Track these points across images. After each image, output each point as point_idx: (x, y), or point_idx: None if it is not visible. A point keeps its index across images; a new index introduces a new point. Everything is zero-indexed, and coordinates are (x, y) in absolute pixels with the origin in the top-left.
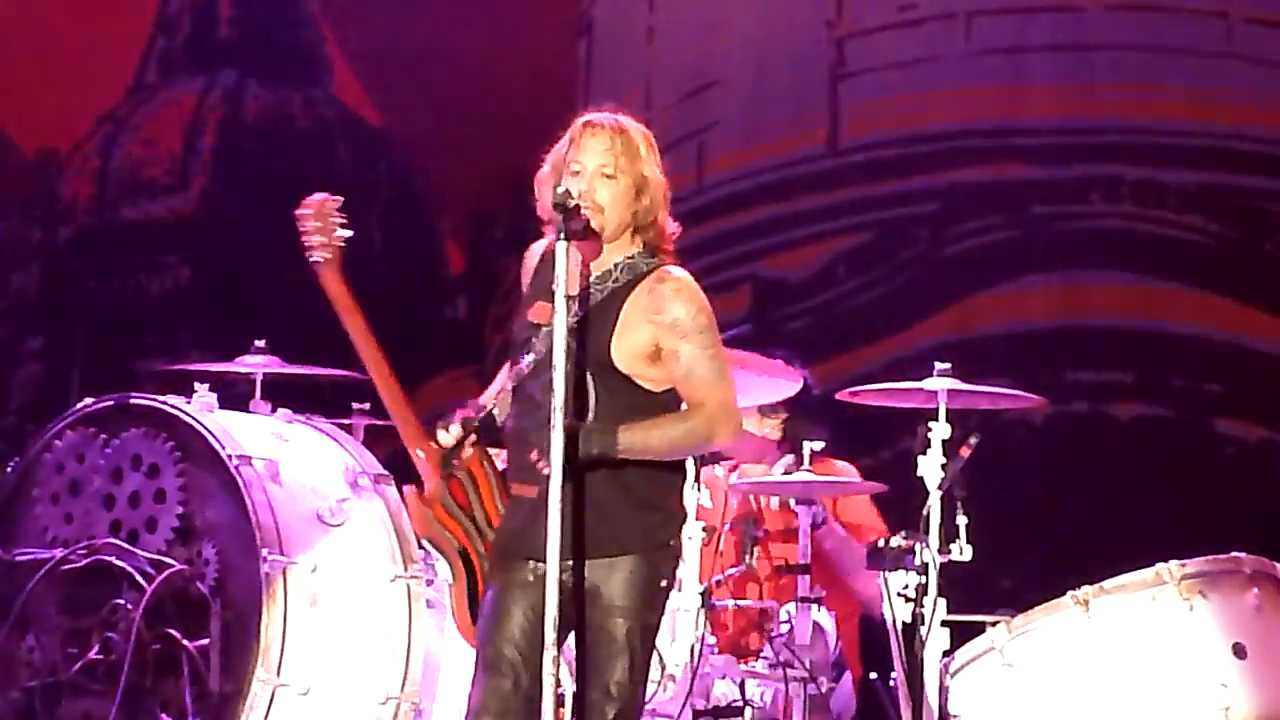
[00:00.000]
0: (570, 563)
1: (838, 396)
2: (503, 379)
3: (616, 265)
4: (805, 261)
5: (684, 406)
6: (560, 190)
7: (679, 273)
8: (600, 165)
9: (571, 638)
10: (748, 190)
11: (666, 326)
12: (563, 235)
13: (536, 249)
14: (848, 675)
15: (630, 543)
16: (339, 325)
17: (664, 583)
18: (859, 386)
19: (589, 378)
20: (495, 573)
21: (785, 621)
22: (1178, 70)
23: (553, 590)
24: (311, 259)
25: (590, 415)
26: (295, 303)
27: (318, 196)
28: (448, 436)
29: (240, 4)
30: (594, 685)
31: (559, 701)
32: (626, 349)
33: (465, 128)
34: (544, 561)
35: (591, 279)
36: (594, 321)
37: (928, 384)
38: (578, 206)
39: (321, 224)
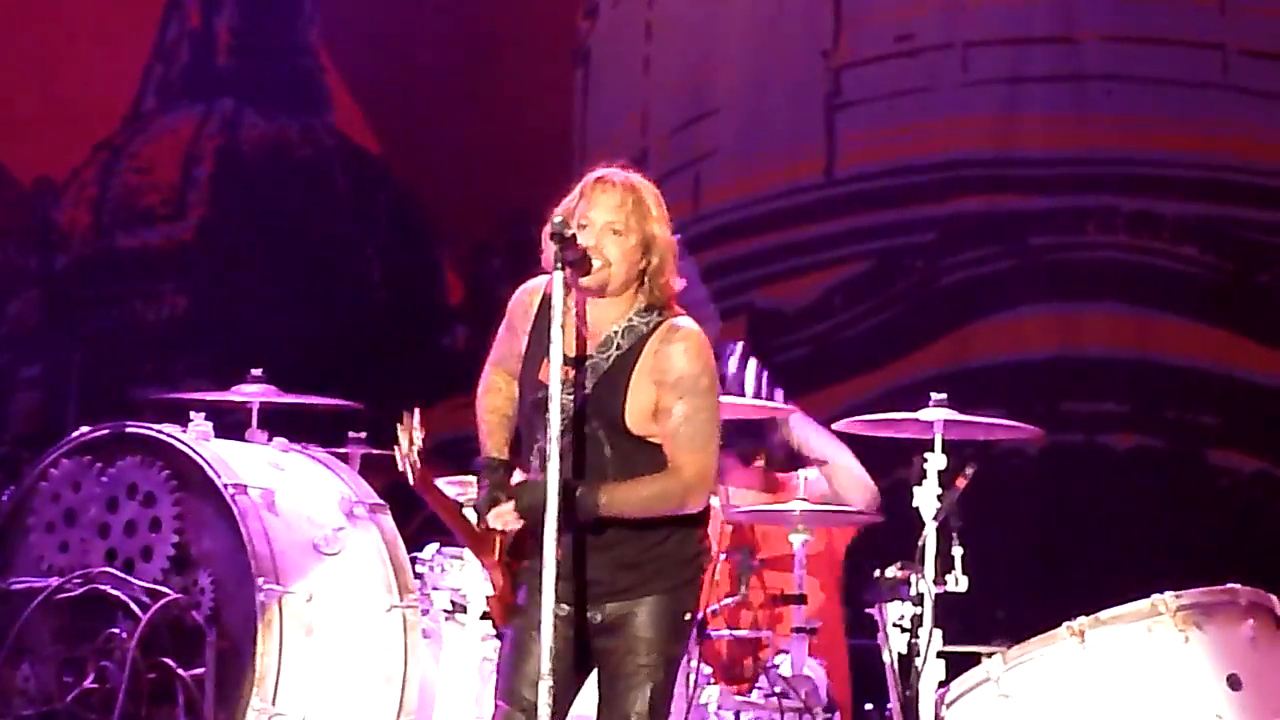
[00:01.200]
0: (602, 603)
1: (834, 427)
2: (490, 419)
3: (617, 331)
4: (802, 291)
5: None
6: (557, 220)
7: (688, 326)
8: (609, 221)
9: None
10: (744, 220)
11: (669, 384)
12: (559, 264)
13: (533, 288)
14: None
15: (657, 582)
16: (334, 354)
17: (687, 615)
18: (854, 417)
19: (603, 439)
20: (517, 613)
21: (780, 651)
22: (1174, 102)
23: (548, 627)
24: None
25: (609, 473)
26: (292, 332)
27: (406, 419)
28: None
29: (239, 32)
30: (615, 716)
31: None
32: (638, 411)
33: (464, 157)
34: (568, 604)
35: (595, 345)
36: (605, 389)
37: (923, 414)
38: (574, 236)
39: (409, 440)
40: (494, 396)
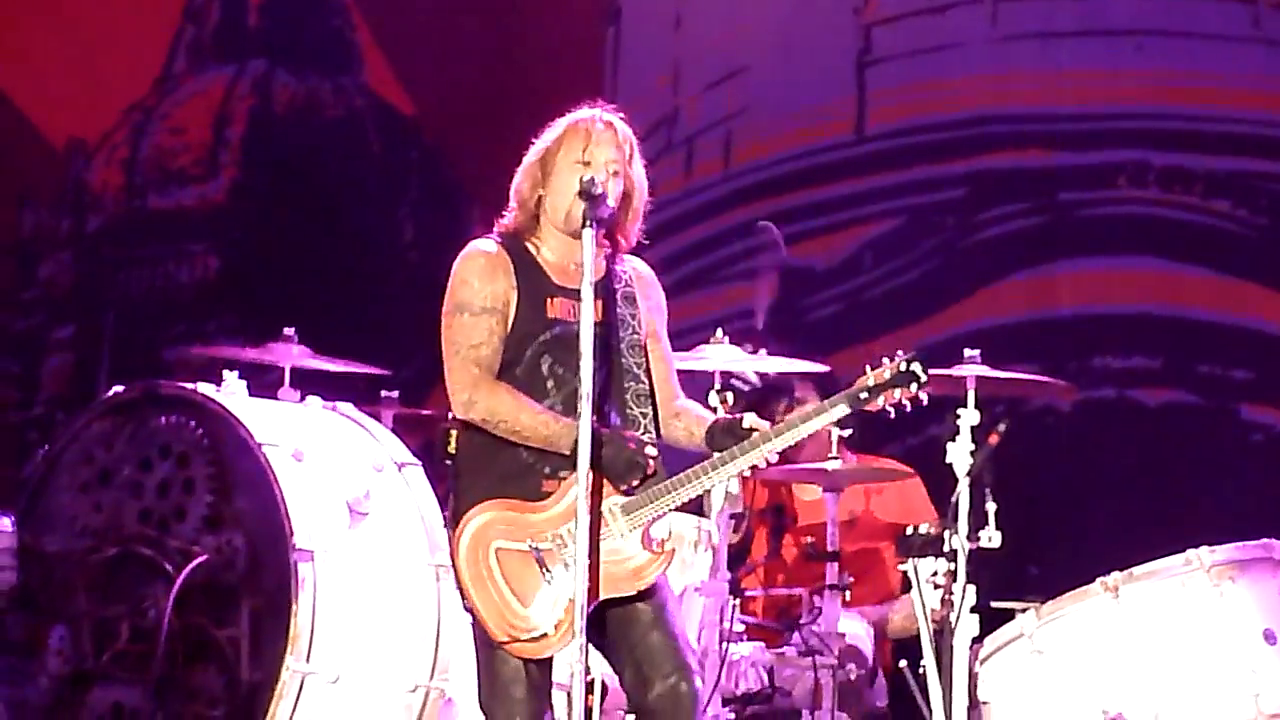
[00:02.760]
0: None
1: None
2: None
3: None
4: (832, 249)
5: (660, 388)
6: (586, 178)
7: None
8: (609, 160)
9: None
10: (774, 177)
11: (656, 308)
12: (588, 222)
13: (490, 250)
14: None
15: None
16: (365, 314)
17: None
18: None
19: (633, 367)
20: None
21: (814, 609)
22: (1205, 56)
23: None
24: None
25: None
26: (323, 292)
27: None
28: None
29: None
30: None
31: (588, 688)
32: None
33: (496, 116)
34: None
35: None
36: (627, 315)
37: (956, 370)
38: (604, 194)
39: None
40: (510, 393)
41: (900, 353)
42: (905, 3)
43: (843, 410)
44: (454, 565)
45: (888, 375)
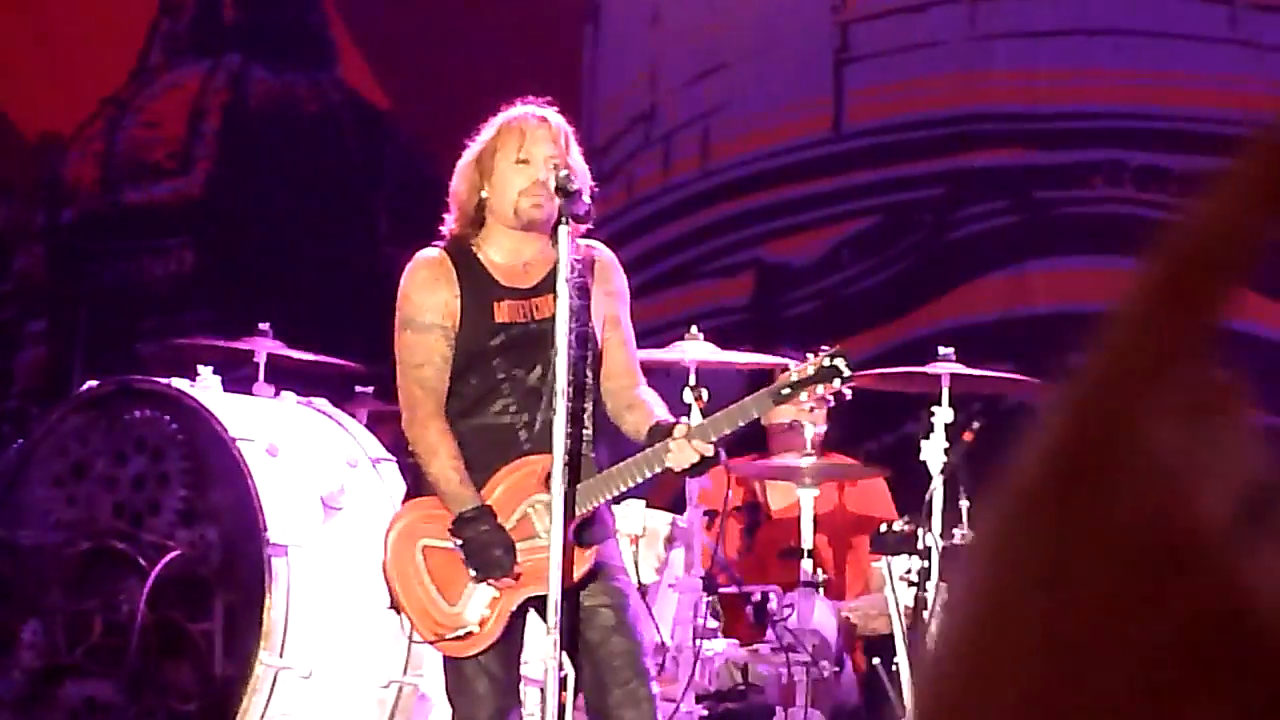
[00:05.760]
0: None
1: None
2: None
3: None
4: (809, 246)
5: (619, 376)
6: (562, 174)
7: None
8: (548, 156)
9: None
10: (752, 174)
11: (616, 293)
12: (565, 219)
13: (433, 260)
14: (849, 665)
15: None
16: (341, 309)
17: None
18: (862, 371)
19: (581, 361)
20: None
21: (787, 605)
22: (1181, 55)
23: (556, 571)
24: None
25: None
26: (298, 287)
27: None
28: None
29: None
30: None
31: (561, 685)
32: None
33: (473, 111)
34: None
35: (541, 276)
36: (577, 306)
37: (931, 368)
38: (579, 190)
39: None
40: (438, 433)
41: (825, 348)
42: (883, 1)
43: (767, 405)
44: (383, 563)
45: (811, 370)
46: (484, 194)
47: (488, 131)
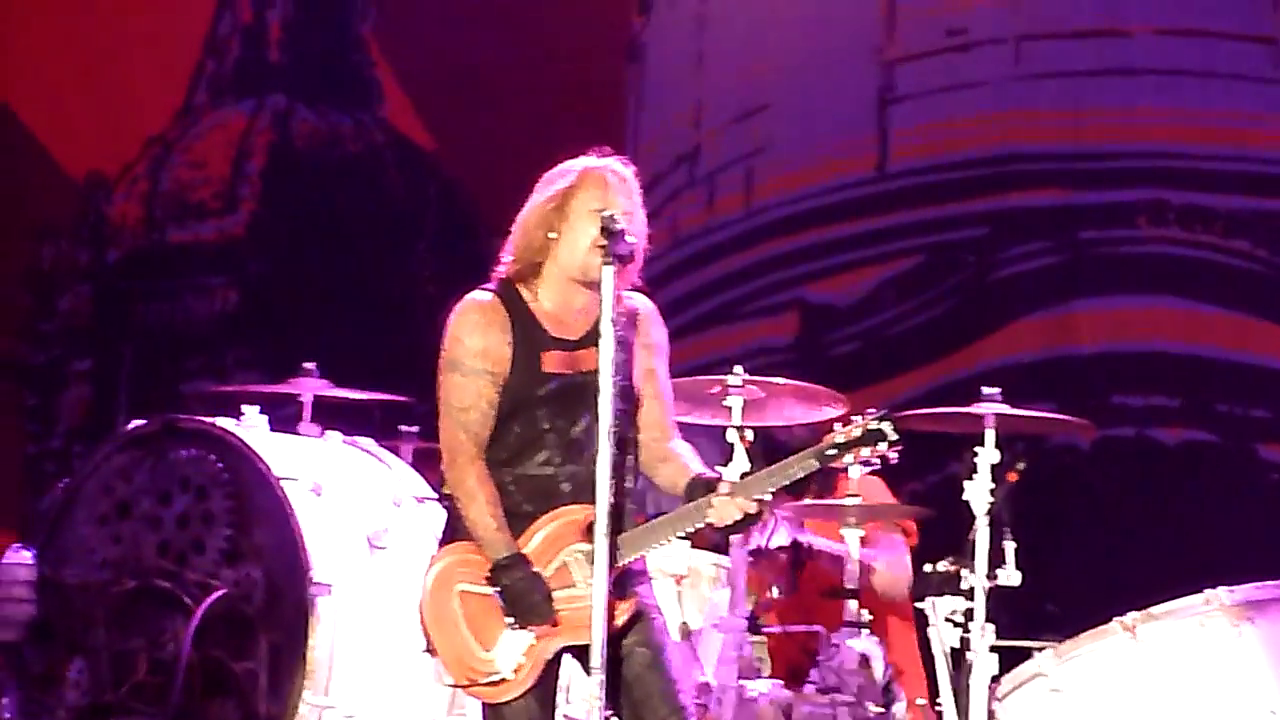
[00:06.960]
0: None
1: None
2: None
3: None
4: (853, 286)
5: (652, 428)
6: (607, 214)
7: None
8: (625, 211)
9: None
10: (795, 214)
11: (654, 346)
12: (610, 259)
13: (485, 304)
14: (902, 700)
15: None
16: (385, 349)
17: None
18: (906, 411)
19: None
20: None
21: (833, 646)
22: (1225, 95)
23: (600, 615)
24: None
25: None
26: (342, 327)
27: None
28: None
29: (290, 27)
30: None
31: None
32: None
33: (516, 152)
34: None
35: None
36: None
37: (975, 408)
38: (624, 230)
39: None
40: (478, 478)
41: (871, 410)
42: (927, 41)
43: (810, 465)
44: (419, 606)
45: (857, 433)
46: (552, 235)
47: (568, 177)
